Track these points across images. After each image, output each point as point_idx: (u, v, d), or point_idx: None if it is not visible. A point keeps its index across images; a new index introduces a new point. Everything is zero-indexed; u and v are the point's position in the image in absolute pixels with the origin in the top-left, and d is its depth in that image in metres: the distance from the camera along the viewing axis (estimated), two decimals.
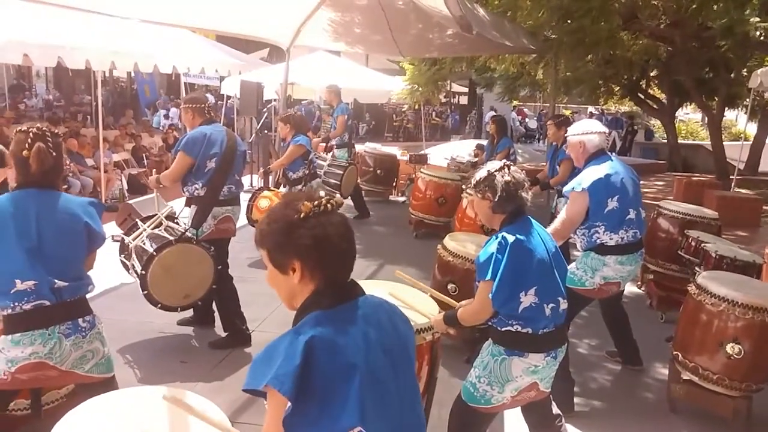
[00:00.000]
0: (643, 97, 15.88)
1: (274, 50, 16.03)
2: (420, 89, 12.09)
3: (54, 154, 2.54)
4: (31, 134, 2.51)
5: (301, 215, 1.51)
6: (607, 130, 3.93)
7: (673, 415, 3.80)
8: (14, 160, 2.55)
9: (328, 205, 1.54)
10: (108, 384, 2.63)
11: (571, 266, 3.71)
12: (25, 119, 13.05)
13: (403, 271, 3.32)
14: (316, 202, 1.53)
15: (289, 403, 1.41)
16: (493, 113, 16.54)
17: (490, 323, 2.63)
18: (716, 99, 13.65)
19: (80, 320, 2.55)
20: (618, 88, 15.53)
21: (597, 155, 3.78)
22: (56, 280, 2.46)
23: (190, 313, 4.58)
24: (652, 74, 15.30)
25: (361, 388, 1.45)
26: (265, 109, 10.89)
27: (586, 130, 3.84)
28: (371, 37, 8.35)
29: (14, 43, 6.96)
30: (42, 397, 2.97)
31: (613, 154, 4.00)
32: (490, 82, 17.91)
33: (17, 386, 2.55)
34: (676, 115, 17.45)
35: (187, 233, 4.15)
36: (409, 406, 1.61)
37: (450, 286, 4.19)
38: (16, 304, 2.42)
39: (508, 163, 2.67)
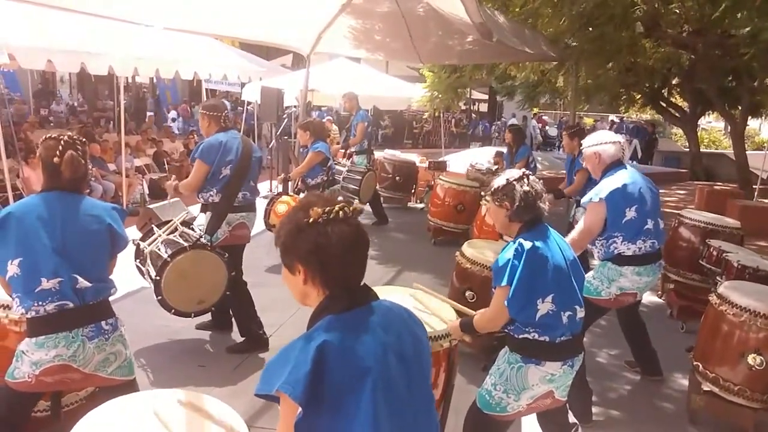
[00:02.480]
0: (664, 105, 15.71)
1: (296, 57, 16.16)
2: (440, 96, 12.07)
3: (83, 162, 2.63)
4: (62, 142, 2.58)
5: (309, 220, 1.52)
6: (622, 140, 3.89)
7: (692, 426, 3.75)
8: (44, 165, 2.61)
9: (340, 213, 1.53)
10: (129, 386, 2.66)
11: (588, 276, 3.68)
12: (49, 124, 13.29)
13: (420, 278, 3.33)
14: (327, 209, 1.52)
15: (301, 409, 1.41)
16: (514, 121, 16.47)
17: (506, 330, 2.62)
18: (739, 107, 13.46)
19: (103, 323, 2.59)
20: (639, 96, 15.38)
21: (614, 165, 3.75)
22: (79, 278, 2.50)
23: (208, 317, 4.62)
24: (674, 82, 15.13)
25: (374, 395, 1.44)
26: (285, 116, 10.96)
27: (601, 140, 3.80)
28: (391, 44, 8.37)
29: (38, 49, 7.09)
30: (62, 399, 3.02)
31: (634, 162, 3.97)
32: (510, 90, 17.85)
33: (42, 389, 2.59)
34: (698, 123, 17.24)
35: (201, 239, 4.19)
36: (423, 414, 1.60)
37: (468, 294, 4.18)
38: (40, 304, 2.46)
39: (527, 172, 2.66)
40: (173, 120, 17.04)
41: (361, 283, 1.60)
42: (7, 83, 15.20)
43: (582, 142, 4.06)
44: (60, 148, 2.57)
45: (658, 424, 3.81)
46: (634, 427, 3.76)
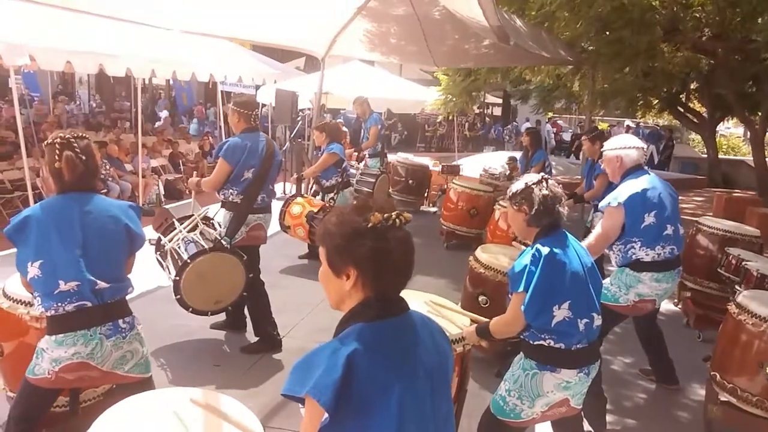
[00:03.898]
0: (682, 110, 15.56)
1: (309, 60, 16.22)
2: (454, 100, 12.05)
3: (83, 158, 2.59)
4: (57, 145, 2.57)
5: (369, 225, 1.50)
6: (645, 145, 3.86)
7: None
8: (50, 172, 2.61)
9: (397, 220, 1.51)
10: (146, 384, 2.68)
11: (606, 282, 3.65)
12: (67, 125, 13.43)
13: (433, 282, 3.33)
14: (386, 215, 1.50)
15: (327, 415, 1.41)
16: (528, 125, 16.41)
17: (522, 337, 2.60)
18: (759, 113, 13.30)
19: (120, 321, 2.60)
20: (656, 101, 15.23)
21: (634, 170, 3.72)
22: (98, 281, 2.52)
23: (223, 317, 4.65)
24: (692, 87, 14.99)
25: (400, 407, 1.44)
26: (299, 118, 11.00)
27: (624, 144, 3.78)
28: (406, 48, 8.37)
29: (58, 51, 7.17)
30: (80, 395, 3.05)
31: (651, 170, 3.93)
32: (525, 94, 17.77)
33: (61, 385, 2.61)
34: (717, 129, 17.06)
35: (221, 241, 4.21)
36: (442, 426, 1.60)
37: (481, 299, 4.16)
38: (59, 305, 2.48)
39: (546, 176, 2.65)
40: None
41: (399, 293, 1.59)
42: (27, 84, 15.41)
43: (604, 144, 4.03)
44: (57, 151, 2.55)
45: None
46: None
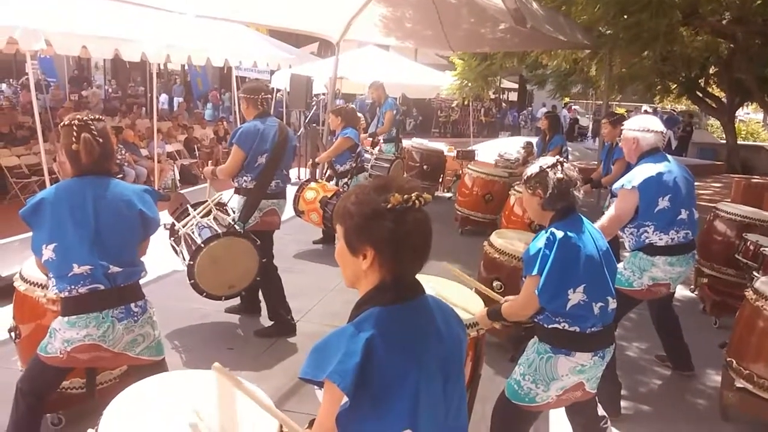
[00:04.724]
0: (701, 95, 15.34)
1: (323, 44, 16.15)
2: (469, 85, 11.96)
3: (101, 140, 2.59)
4: (74, 126, 2.56)
5: (388, 206, 1.47)
6: (665, 130, 3.80)
7: (724, 423, 3.68)
8: (66, 153, 2.60)
9: (417, 201, 1.49)
10: (158, 366, 2.70)
11: (619, 266, 3.61)
12: (83, 109, 13.53)
13: (448, 268, 3.29)
14: (405, 197, 1.47)
15: (346, 399, 1.41)
16: (544, 110, 16.24)
17: (536, 320, 2.59)
18: None
19: (132, 305, 2.62)
20: (675, 85, 15.03)
21: (651, 153, 3.65)
22: (111, 266, 2.54)
23: (237, 301, 4.68)
24: (711, 72, 14.75)
25: (416, 391, 1.45)
26: (314, 103, 10.99)
27: (644, 127, 3.70)
28: (422, 32, 8.30)
29: (74, 36, 7.20)
30: (96, 377, 3.09)
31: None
32: (541, 79, 17.60)
33: (72, 365, 2.65)
34: (736, 114, 16.79)
35: (235, 226, 4.23)
36: (454, 412, 1.60)
37: (496, 284, 4.15)
38: (73, 287, 2.50)
39: (561, 160, 2.61)
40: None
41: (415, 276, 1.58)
42: (44, 69, 15.53)
43: (624, 123, 3.96)
44: (74, 133, 2.54)
45: (689, 419, 3.75)
46: (664, 422, 3.70)
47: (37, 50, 7.63)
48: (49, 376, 2.63)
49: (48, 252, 2.49)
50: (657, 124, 3.77)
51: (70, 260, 2.48)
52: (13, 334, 3.20)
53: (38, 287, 3.04)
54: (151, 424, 1.83)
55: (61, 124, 2.63)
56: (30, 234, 2.59)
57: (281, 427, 1.80)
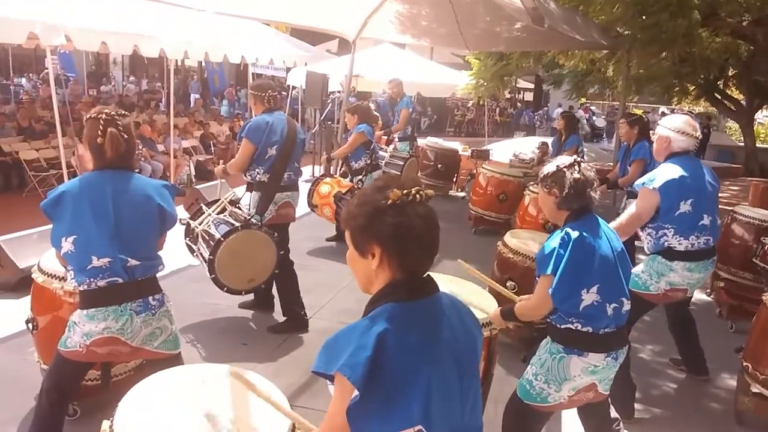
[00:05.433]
0: (720, 97, 15.15)
1: (342, 42, 16.16)
2: (485, 84, 11.91)
3: (126, 137, 2.60)
4: (101, 120, 2.57)
5: (389, 202, 1.49)
6: (700, 135, 3.73)
7: (739, 428, 3.65)
8: (89, 146, 2.62)
9: (417, 196, 1.50)
10: (174, 360, 2.72)
11: (637, 269, 3.58)
12: (102, 105, 13.65)
13: (460, 267, 3.29)
14: (405, 191, 1.49)
15: (357, 392, 1.41)
16: (560, 110, 16.15)
17: (549, 320, 2.58)
18: None
19: (150, 298, 2.64)
20: (693, 87, 14.86)
21: (679, 155, 3.60)
22: (129, 259, 2.56)
23: (251, 296, 4.71)
24: (730, 73, 14.57)
25: (429, 387, 1.44)
26: (329, 101, 10.99)
27: (679, 128, 3.60)
28: (438, 30, 8.29)
29: (93, 31, 7.26)
30: (111, 370, 3.12)
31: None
32: (557, 79, 17.48)
33: (92, 359, 2.67)
34: (755, 117, 16.59)
35: (251, 219, 4.25)
36: (470, 410, 1.60)
37: (509, 284, 4.13)
38: (92, 280, 2.52)
39: (578, 159, 2.60)
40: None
41: (427, 273, 1.58)
42: (63, 64, 15.69)
43: (659, 121, 3.90)
44: (100, 127, 2.55)
45: (703, 424, 3.72)
46: (678, 425, 3.68)
47: (57, 45, 7.69)
48: (70, 370, 2.65)
49: (67, 244, 2.51)
50: (693, 127, 3.65)
51: (90, 253, 2.50)
52: (30, 325, 3.24)
53: (56, 279, 3.07)
54: (165, 416, 1.85)
55: (87, 116, 2.65)
56: (48, 226, 2.62)
57: (293, 425, 1.82)
